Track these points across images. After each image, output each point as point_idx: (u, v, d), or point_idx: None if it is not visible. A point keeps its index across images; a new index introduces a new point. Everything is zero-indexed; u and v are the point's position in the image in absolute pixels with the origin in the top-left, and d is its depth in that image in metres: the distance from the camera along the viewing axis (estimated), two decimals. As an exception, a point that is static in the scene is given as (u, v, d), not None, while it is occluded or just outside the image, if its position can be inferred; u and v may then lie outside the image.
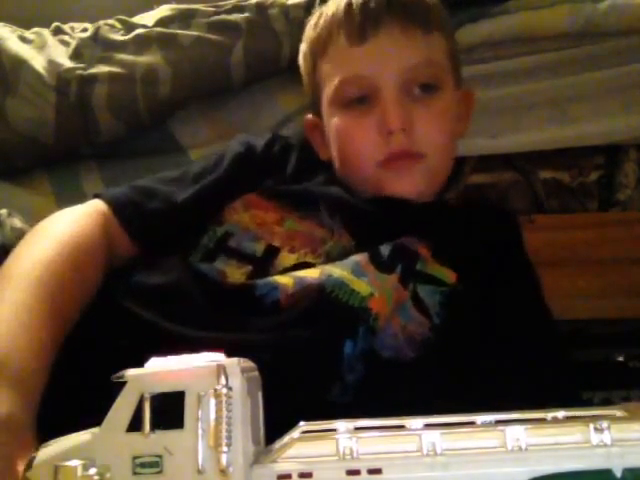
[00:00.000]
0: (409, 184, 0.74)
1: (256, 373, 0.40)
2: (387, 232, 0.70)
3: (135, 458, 0.36)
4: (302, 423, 0.38)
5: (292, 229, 0.71)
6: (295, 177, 0.78)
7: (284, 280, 0.64)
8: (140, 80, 0.93)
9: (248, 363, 0.39)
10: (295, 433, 0.37)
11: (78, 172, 0.96)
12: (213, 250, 0.71)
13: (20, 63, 0.93)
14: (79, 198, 0.79)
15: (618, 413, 0.37)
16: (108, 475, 0.36)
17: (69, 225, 0.68)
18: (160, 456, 0.36)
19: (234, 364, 0.37)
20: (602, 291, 0.93)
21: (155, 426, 0.36)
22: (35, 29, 1.00)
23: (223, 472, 0.35)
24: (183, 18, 0.97)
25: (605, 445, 0.35)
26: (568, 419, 0.37)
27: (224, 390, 0.36)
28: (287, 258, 0.69)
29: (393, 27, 0.73)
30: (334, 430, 0.37)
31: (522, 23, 0.93)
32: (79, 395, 0.57)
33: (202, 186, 0.76)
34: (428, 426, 0.37)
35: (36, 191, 0.94)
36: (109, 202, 0.73)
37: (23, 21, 1.03)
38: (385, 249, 0.68)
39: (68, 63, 0.94)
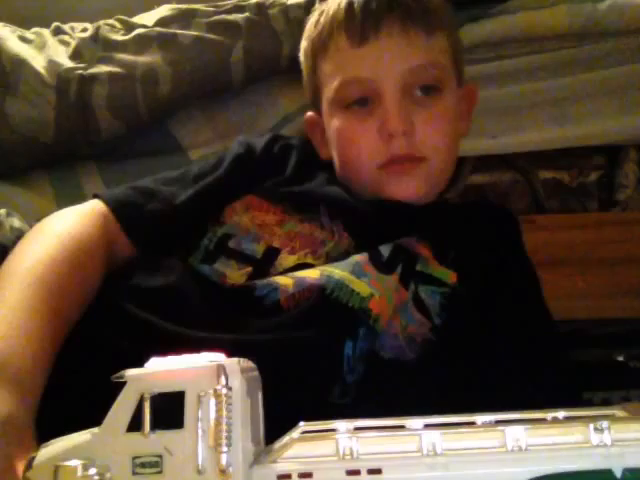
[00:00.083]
0: (409, 188, 0.73)
1: (256, 373, 0.40)
2: (387, 233, 0.70)
3: (135, 458, 0.36)
4: (302, 423, 0.38)
5: (292, 230, 0.71)
6: (295, 177, 0.78)
7: (284, 281, 0.64)
8: (140, 80, 0.93)
9: (248, 363, 0.39)
10: (295, 433, 0.37)
11: (78, 172, 0.96)
12: (213, 251, 0.71)
13: (20, 63, 0.93)
14: (79, 198, 0.79)
15: (618, 413, 0.37)
16: (108, 475, 0.36)
17: (69, 225, 0.68)
18: (160, 456, 0.36)
19: (234, 364, 0.37)
20: (602, 291, 0.93)
21: (155, 426, 0.36)
22: (35, 29, 1.00)
23: (223, 472, 0.35)
24: (183, 18, 0.97)
25: (605, 445, 0.35)
26: (568, 419, 0.37)
27: (224, 390, 0.36)
28: (287, 259, 0.68)
29: (394, 28, 0.72)
30: (334, 430, 0.37)
31: (522, 23, 0.93)
32: (79, 395, 0.57)
33: (202, 187, 0.76)
34: (428, 426, 0.37)
35: (36, 191, 0.94)
36: (108, 202, 0.73)
37: (23, 21, 1.03)
38: (385, 249, 0.67)
39: (68, 63, 0.94)
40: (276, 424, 0.39)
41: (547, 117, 0.95)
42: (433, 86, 0.74)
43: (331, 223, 0.71)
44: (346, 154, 0.76)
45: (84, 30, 1.00)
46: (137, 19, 1.00)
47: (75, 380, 0.58)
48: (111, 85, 0.92)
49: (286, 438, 0.38)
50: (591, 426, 0.35)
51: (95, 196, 0.75)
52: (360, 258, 0.66)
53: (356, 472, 0.35)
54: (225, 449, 0.35)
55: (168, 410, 0.36)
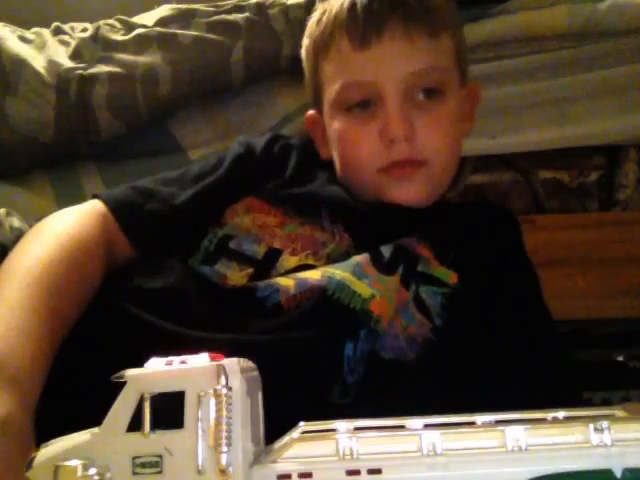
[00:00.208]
0: (410, 192, 0.73)
1: (256, 373, 0.40)
2: (387, 234, 0.70)
3: (135, 458, 0.36)
4: (302, 423, 0.38)
5: (293, 232, 0.71)
6: (295, 178, 0.78)
7: (285, 282, 0.64)
8: (140, 80, 0.93)
9: (248, 363, 0.39)
10: (295, 433, 0.37)
11: (78, 172, 0.96)
12: (214, 253, 0.71)
13: (20, 63, 0.93)
14: (79, 198, 0.79)
15: (618, 413, 0.37)
16: (108, 475, 0.36)
17: (68, 225, 0.68)
18: (160, 456, 0.36)
19: (234, 364, 0.37)
20: (602, 291, 0.93)
21: (155, 426, 0.36)
22: (35, 29, 1.00)
23: (223, 472, 0.35)
24: (183, 18, 0.97)
25: (605, 445, 0.35)
26: (568, 419, 0.37)
27: (224, 390, 0.36)
28: (289, 260, 0.68)
29: (396, 32, 0.71)
30: (334, 430, 0.37)
31: (522, 23, 0.93)
32: (79, 395, 0.57)
33: (202, 187, 0.76)
34: (428, 426, 0.37)
35: (36, 191, 0.94)
36: (108, 202, 0.72)
37: (23, 21, 1.03)
38: (386, 250, 0.67)
39: (68, 63, 0.94)
40: (276, 424, 0.39)
41: (547, 117, 0.95)
42: (435, 89, 0.73)
43: (332, 225, 0.71)
44: (347, 156, 0.76)
45: (84, 30, 1.00)
46: (137, 19, 1.00)
47: (75, 380, 0.58)
48: (111, 85, 0.92)
49: (286, 438, 0.38)
50: (591, 426, 0.35)
51: (95, 196, 0.75)
52: (361, 259, 0.66)
53: (356, 472, 0.35)
54: (225, 449, 0.35)
55: (168, 410, 0.36)
